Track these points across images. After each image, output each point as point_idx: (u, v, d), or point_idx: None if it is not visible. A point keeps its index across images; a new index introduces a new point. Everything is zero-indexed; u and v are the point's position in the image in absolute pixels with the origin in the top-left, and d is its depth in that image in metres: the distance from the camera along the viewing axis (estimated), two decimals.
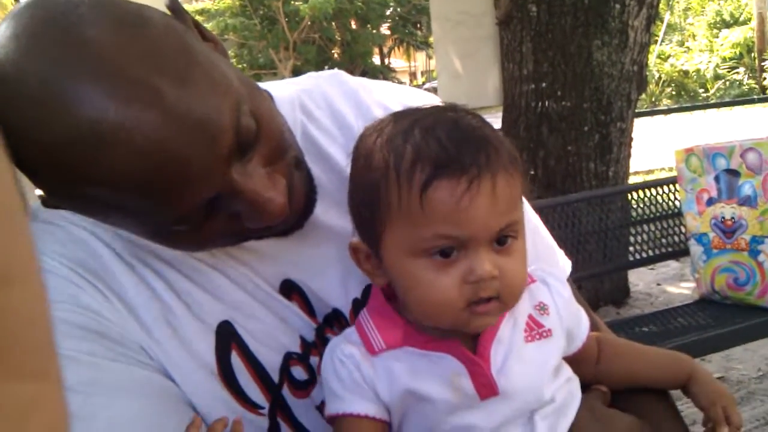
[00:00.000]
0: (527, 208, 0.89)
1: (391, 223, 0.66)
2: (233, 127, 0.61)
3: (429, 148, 0.64)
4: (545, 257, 0.87)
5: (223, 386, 0.74)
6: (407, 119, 0.69)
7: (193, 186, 0.60)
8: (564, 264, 0.91)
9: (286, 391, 0.77)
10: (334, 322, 0.80)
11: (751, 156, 2.10)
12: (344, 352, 0.71)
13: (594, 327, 0.83)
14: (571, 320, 0.77)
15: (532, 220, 0.88)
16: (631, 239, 2.76)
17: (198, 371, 0.73)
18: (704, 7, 19.93)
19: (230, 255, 0.76)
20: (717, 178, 2.19)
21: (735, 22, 18.11)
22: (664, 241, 2.77)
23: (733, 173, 2.15)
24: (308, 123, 0.81)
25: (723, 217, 2.19)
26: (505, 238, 0.66)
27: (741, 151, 2.12)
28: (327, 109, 0.83)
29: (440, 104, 0.75)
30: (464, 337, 0.70)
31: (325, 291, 0.79)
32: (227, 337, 0.75)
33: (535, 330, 0.73)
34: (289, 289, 0.78)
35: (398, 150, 0.65)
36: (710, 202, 2.22)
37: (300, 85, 0.85)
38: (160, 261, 0.74)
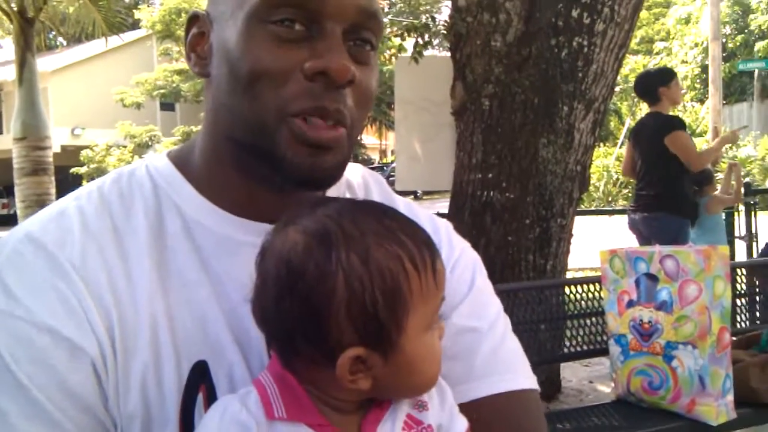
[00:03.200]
0: (498, 312, 0.91)
1: (414, 309, 0.68)
2: (377, 12, 0.77)
3: (417, 233, 0.71)
4: (504, 363, 0.86)
5: (178, 430, 0.73)
6: (361, 228, 0.69)
7: None
8: (524, 380, 0.87)
9: None
10: None
11: (669, 263, 2.18)
12: (239, 418, 0.68)
13: None
14: (442, 422, 0.75)
15: (499, 326, 0.89)
16: (567, 333, 2.81)
17: (156, 408, 0.73)
18: None
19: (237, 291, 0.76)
20: (637, 282, 2.26)
21: (692, 133, 18.95)
22: (595, 338, 2.82)
23: (652, 278, 2.22)
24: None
25: (641, 320, 2.24)
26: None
27: (660, 257, 2.19)
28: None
29: (364, 200, 0.80)
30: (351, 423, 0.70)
31: None
32: (199, 377, 0.75)
33: (414, 428, 0.72)
34: None
35: (401, 241, 0.68)
36: (630, 304, 2.28)
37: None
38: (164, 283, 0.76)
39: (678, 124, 4.43)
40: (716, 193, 5.16)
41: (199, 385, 0.75)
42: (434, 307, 0.70)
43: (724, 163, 10.14)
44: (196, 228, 0.80)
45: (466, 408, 0.78)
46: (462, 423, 0.77)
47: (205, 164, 0.83)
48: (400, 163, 4.85)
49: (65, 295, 0.72)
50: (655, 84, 4.45)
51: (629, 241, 4.75)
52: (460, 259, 0.92)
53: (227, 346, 0.77)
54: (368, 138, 31.23)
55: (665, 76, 4.56)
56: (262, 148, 0.75)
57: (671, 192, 4.31)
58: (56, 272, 0.73)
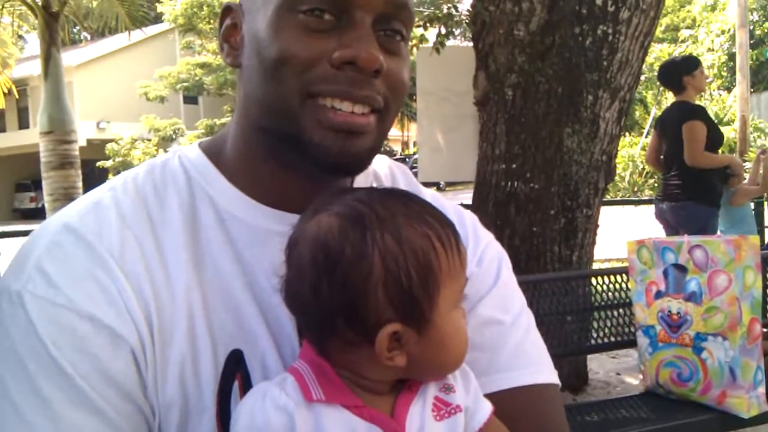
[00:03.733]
0: (522, 306, 0.92)
1: (444, 286, 0.70)
2: (407, 1, 0.77)
3: (440, 215, 0.73)
4: (528, 357, 0.87)
5: (215, 417, 0.75)
6: (402, 201, 0.73)
7: None
8: (547, 374, 0.88)
9: None
10: None
11: (698, 253, 2.14)
12: (279, 402, 0.69)
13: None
14: (470, 401, 0.77)
15: (524, 320, 0.90)
16: (593, 324, 2.78)
17: (194, 397, 0.74)
18: None
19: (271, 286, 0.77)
20: (665, 272, 2.22)
21: (719, 122, 18.66)
22: (622, 329, 2.79)
23: (681, 268, 2.18)
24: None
25: (669, 311, 2.21)
26: None
27: (689, 248, 2.16)
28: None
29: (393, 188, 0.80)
30: (385, 404, 0.72)
31: None
32: (234, 366, 0.76)
33: (444, 409, 0.74)
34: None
35: (429, 222, 0.71)
36: (658, 295, 2.24)
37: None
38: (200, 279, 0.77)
39: (698, 113, 4.37)
40: (743, 184, 5.07)
41: (235, 373, 0.77)
42: (460, 285, 0.73)
43: (752, 152, 9.96)
44: (229, 219, 0.81)
45: (489, 399, 0.79)
46: (487, 406, 0.78)
47: (237, 155, 0.83)
48: (423, 155, 4.83)
49: (105, 284, 0.73)
50: (680, 73, 4.41)
51: (656, 231, 4.69)
52: (486, 252, 0.92)
53: (261, 335, 0.78)
54: (391, 130, 31.22)
55: (689, 64, 4.51)
56: (288, 133, 0.76)
57: (697, 181, 4.26)
58: (96, 262, 0.74)
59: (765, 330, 2.32)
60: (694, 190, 4.27)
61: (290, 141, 0.76)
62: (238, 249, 0.79)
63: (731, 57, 20.88)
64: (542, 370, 0.87)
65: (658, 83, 6.21)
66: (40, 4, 9.14)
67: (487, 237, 0.95)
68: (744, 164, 5.29)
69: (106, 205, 0.78)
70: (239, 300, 0.78)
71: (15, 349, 0.70)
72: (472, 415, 0.77)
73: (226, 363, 0.76)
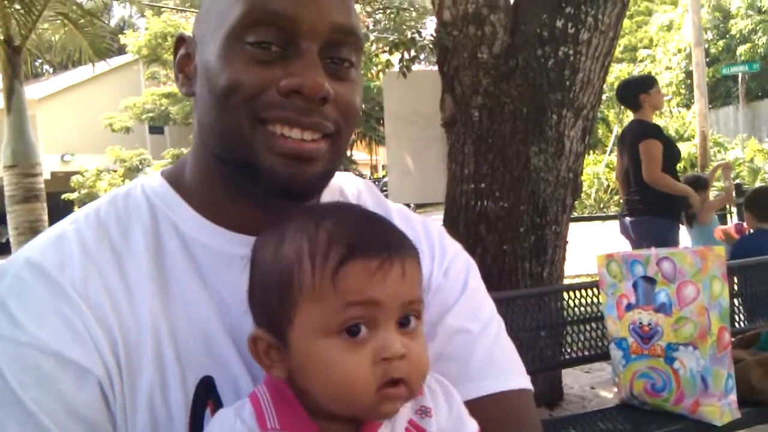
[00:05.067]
0: (492, 313, 0.92)
1: (303, 305, 0.68)
2: (354, 28, 0.78)
3: (342, 233, 0.69)
4: (498, 364, 0.87)
5: None
6: (313, 214, 0.73)
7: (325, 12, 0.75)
8: (518, 380, 0.88)
9: None
10: None
11: (666, 265, 2.19)
12: (234, 430, 0.69)
13: None
14: (449, 427, 0.76)
15: (493, 327, 0.90)
16: (566, 339, 2.81)
17: (164, 427, 0.74)
18: None
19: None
20: (635, 285, 2.27)
21: (680, 138, 19.09)
22: (595, 342, 2.82)
23: (650, 280, 2.23)
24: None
25: (641, 323, 2.25)
26: (408, 318, 0.70)
27: (657, 260, 2.21)
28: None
29: (338, 202, 0.82)
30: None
31: None
32: (205, 394, 0.76)
33: None
34: None
35: (312, 236, 0.70)
36: (629, 307, 2.28)
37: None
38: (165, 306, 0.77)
39: (653, 132, 4.47)
40: (707, 201, 5.17)
41: (206, 401, 0.76)
42: (332, 312, 0.67)
43: (712, 165, 10.21)
44: (193, 245, 0.81)
45: None
46: (472, 426, 0.77)
47: (196, 182, 0.84)
48: (393, 177, 4.86)
49: (69, 318, 0.73)
50: (636, 91, 4.53)
51: (623, 246, 4.77)
52: (453, 263, 0.93)
53: (231, 360, 0.78)
54: (359, 154, 31.30)
55: (646, 83, 4.64)
56: (241, 159, 0.77)
57: (657, 195, 4.35)
58: (59, 296, 0.73)
59: (733, 339, 2.37)
60: (654, 205, 4.36)
61: (243, 167, 0.77)
62: (204, 274, 0.80)
63: (689, 75, 21.44)
64: (512, 377, 0.88)
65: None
66: (1, 38, 9.04)
67: (454, 248, 0.96)
68: (707, 190, 5.37)
69: (69, 238, 0.78)
70: (208, 326, 0.78)
71: None
72: None
73: (196, 391, 0.76)
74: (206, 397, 0.76)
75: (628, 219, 4.56)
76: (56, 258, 0.76)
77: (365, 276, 0.67)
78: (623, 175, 4.71)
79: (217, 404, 0.76)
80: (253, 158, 0.76)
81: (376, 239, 0.70)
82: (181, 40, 0.85)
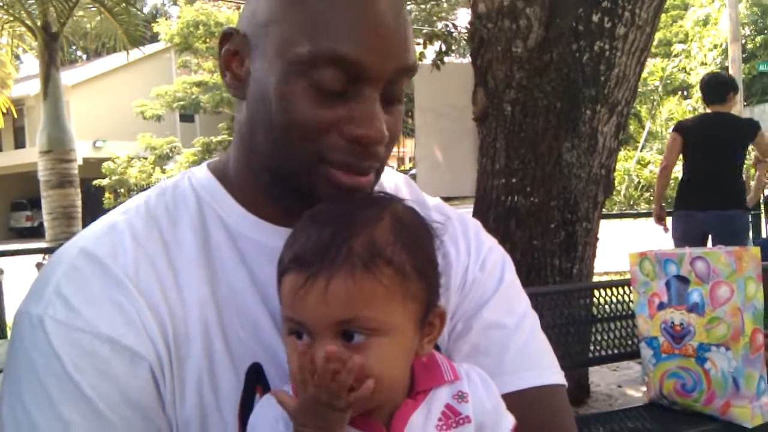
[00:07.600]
0: (527, 308, 0.93)
1: (282, 303, 0.73)
2: (414, 64, 0.78)
3: (297, 241, 0.73)
4: (533, 359, 0.88)
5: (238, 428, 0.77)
6: (313, 214, 0.76)
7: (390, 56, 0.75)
8: (553, 375, 0.89)
9: None
10: None
11: (699, 264, 2.17)
12: (276, 413, 0.71)
13: None
14: (486, 417, 0.76)
15: (528, 321, 0.91)
16: (594, 337, 2.80)
17: (213, 412, 0.76)
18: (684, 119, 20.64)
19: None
20: (668, 284, 2.25)
21: None
22: (624, 341, 2.81)
23: (683, 280, 2.21)
24: None
25: (672, 323, 2.23)
26: (351, 334, 0.69)
27: (690, 259, 2.18)
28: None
29: (339, 203, 0.79)
30: (380, 420, 0.72)
31: None
32: (254, 379, 0.78)
33: (452, 419, 0.74)
34: None
35: (288, 240, 0.75)
36: (661, 306, 2.27)
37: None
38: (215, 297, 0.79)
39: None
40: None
41: (255, 386, 0.78)
42: (283, 315, 0.72)
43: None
44: (239, 238, 0.83)
45: None
46: (509, 420, 0.78)
47: (242, 179, 0.85)
48: (421, 170, 4.87)
49: (122, 305, 0.75)
50: (728, 88, 4.75)
51: (655, 243, 4.71)
52: (489, 257, 0.94)
53: (278, 347, 0.80)
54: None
55: (736, 85, 4.93)
56: (295, 183, 0.79)
57: (742, 188, 4.64)
58: (112, 283, 0.76)
59: (767, 340, 2.34)
60: (740, 197, 4.62)
61: (296, 189, 0.79)
62: (249, 265, 0.82)
63: (724, 71, 21.04)
64: (548, 372, 0.88)
65: (652, 97, 6.26)
66: (39, 24, 9.19)
67: (490, 242, 0.97)
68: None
69: (120, 229, 0.80)
70: (255, 315, 0.80)
71: (36, 373, 0.72)
72: (492, 428, 0.77)
73: (246, 376, 0.78)
74: (255, 383, 0.79)
75: (710, 213, 4.54)
76: (109, 247, 0.78)
77: (291, 293, 0.70)
78: (711, 167, 4.61)
79: (266, 390, 0.79)
80: (308, 188, 0.78)
81: (312, 251, 0.70)
82: (228, 35, 0.83)
